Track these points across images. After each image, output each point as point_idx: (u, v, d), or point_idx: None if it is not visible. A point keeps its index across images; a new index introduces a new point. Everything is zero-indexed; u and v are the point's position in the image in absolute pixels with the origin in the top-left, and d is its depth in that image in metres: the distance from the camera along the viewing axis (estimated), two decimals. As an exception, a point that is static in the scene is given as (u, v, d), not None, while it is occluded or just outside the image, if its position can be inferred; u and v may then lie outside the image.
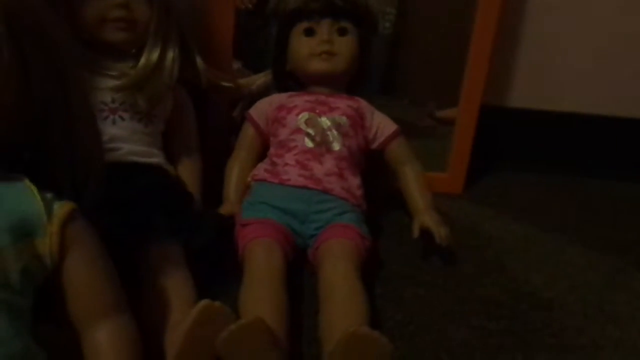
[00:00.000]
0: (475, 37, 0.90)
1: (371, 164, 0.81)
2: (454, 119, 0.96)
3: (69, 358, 0.42)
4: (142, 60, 0.67)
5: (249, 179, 0.76)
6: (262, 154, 0.79)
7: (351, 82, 0.81)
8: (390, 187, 0.83)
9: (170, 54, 0.68)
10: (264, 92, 0.86)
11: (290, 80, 0.83)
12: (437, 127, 1.05)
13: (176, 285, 0.54)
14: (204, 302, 0.47)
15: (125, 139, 0.67)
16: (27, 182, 0.41)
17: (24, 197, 0.40)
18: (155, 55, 0.68)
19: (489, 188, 1.00)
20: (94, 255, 0.43)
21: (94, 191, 0.46)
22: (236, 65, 0.90)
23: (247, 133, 0.80)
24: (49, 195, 0.41)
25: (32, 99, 0.40)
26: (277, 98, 0.80)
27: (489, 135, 0.97)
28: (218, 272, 0.63)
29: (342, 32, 0.77)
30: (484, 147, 0.96)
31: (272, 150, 0.77)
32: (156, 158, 0.69)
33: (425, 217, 0.73)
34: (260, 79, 0.91)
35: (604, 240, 0.84)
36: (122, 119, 0.67)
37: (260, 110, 0.80)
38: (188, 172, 0.74)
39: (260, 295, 0.55)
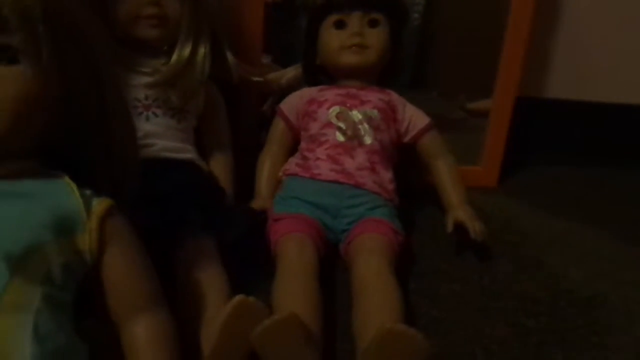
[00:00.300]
0: (510, 26, 0.88)
1: (403, 158, 0.79)
2: (485, 110, 0.94)
3: (110, 353, 0.43)
4: (174, 57, 0.68)
5: (280, 173, 0.76)
6: (293, 149, 0.79)
7: (382, 74, 0.80)
8: (422, 181, 0.82)
9: (201, 50, 0.69)
10: (294, 87, 0.86)
11: (320, 74, 0.82)
12: (468, 119, 1.03)
13: (210, 279, 0.55)
14: (239, 297, 0.48)
15: (159, 135, 0.67)
16: (67, 179, 0.42)
17: (64, 193, 0.41)
18: (187, 51, 0.68)
19: (524, 181, 0.98)
20: (132, 250, 0.43)
21: (131, 187, 0.47)
22: (266, 59, 0.90)
23: (278, 127, 0.80)
24: (87, 192, 0.42)
25: (68, 97, 0.41)
26: (308, 92, 0.79)
27: (524, 126, 0.94)
28: (250, 267, 0.63)
29: (373, 23, 0.76)
30: (518, 138, 0.94)
31: (303, 145, 0.77)
32: (189, 154, 0.70)
33: (459, 211, 0.72)
34: (290, 73, 0.91)
35: (647, 235, 0.81)
36: (156, 115, 0.68)
37: (291, 104, 0.79)
38: (220, 167, 0.74)
39: (294, 291, 0.55)
